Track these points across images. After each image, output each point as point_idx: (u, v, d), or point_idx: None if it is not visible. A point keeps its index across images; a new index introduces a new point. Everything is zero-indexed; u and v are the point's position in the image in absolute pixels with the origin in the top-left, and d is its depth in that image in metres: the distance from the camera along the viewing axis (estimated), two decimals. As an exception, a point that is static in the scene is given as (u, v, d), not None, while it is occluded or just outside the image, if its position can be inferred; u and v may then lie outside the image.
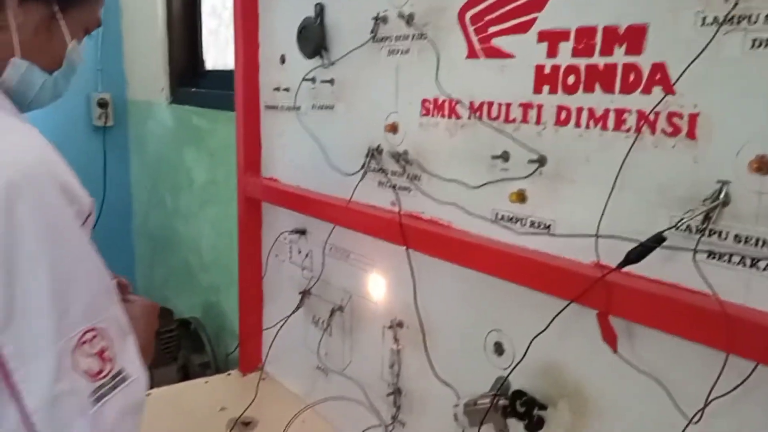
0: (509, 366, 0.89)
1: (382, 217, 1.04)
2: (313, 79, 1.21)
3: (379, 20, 1.03)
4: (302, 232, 1.31)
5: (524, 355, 0.82)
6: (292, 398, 1.36)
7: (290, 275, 1.37)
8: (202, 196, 2.15)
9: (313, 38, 1.16)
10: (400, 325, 1.08)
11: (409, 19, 0.97)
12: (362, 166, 1.08)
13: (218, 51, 2.21)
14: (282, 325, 1.33)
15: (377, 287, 1.14)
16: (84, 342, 0.64)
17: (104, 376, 0.65)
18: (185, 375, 2.04)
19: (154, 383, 1.10)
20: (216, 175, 2.04)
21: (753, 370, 0.61)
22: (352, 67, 1.12)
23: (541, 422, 0.84)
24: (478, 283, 0.91)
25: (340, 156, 1.17)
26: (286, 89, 1.29)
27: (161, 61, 2.28)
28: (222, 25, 2.18)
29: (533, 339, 0.80)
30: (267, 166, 1.41)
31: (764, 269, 0.62)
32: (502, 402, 0.86)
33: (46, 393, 0.61)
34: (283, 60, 1.30)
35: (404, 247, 1.00)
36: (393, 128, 1.04)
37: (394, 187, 1.04)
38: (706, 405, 0.65)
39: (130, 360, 0.70)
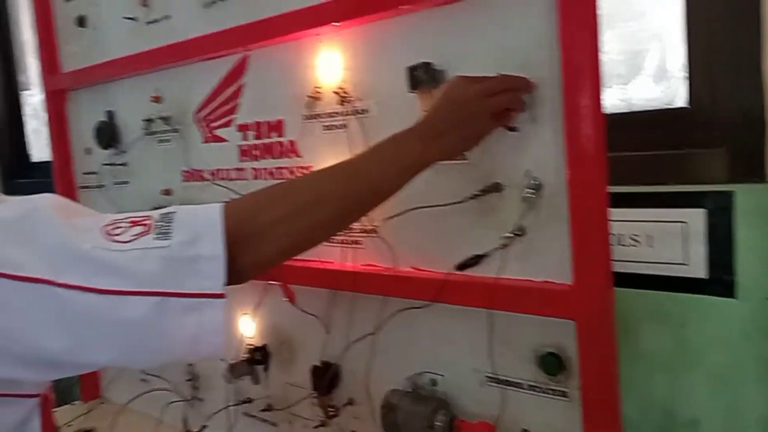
0: (252, 336, 1.38)
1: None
2: (111, 164, 1.65)
3: (149, 121, 1.52)
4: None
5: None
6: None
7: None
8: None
9: (106, 135, 1.62)
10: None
11: (166, 120, 1.47)
12: (149, 221, 1.54)
13: (41, 147, 2.57)
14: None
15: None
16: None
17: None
18: None
19: None
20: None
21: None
22: (137, 154, 1.59)
23: (267, 361, 1.34)
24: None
25: (136, 216, 1.61)
26: (94, 173, 1.72)
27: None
28: (42, 124, 2.55)
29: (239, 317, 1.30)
30: (86, 233, 1.81)
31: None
32: (247, 357, 1.34)
33: None
34: (88, 151, 1.74)
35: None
36: (167, 192, 1.52)
37: (172, 232, 1.50)
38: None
39: None
